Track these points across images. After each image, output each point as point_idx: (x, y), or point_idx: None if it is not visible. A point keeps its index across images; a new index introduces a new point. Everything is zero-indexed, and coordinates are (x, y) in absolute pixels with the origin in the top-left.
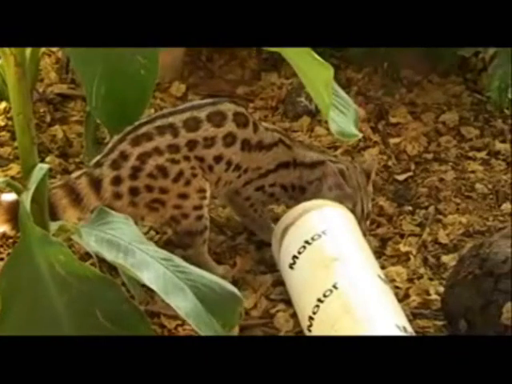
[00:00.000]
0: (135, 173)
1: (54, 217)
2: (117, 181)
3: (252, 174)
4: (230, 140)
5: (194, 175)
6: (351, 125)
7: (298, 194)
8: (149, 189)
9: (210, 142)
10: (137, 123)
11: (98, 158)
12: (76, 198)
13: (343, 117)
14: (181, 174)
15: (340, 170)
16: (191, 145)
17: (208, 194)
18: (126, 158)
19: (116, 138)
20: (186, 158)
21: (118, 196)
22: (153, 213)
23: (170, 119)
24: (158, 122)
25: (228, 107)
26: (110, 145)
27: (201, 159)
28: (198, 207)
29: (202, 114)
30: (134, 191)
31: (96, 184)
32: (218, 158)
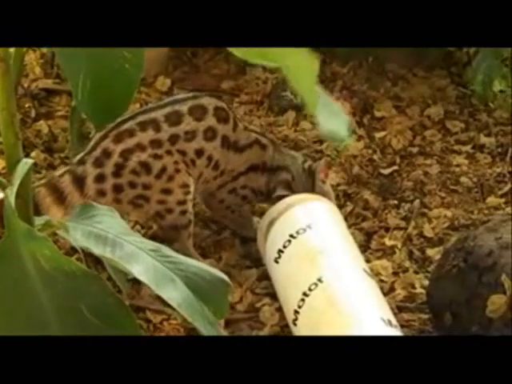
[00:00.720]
0: (118, 170)
1: (38, 215)
2: (100, 178)
3: (226, 177)
4: (210, 134)
5: (178, 170)
6: (343, 128)
7: (266, 198)
8: (132, 185)
9: (190, 135)
10: (119, 120)
11: (80, 155)
12: (60, 197)
13: (333, 119)
14: (164, 169)
15: (286, 179)
16: (173, 139)
17: (192, 188)
18: (109, 155)
19: (98, 135)
20: (169, 153)
21: (101, 193)
22: (137, 209)
23: (152, 114)
24: (140, 118)
25: (209, 101)
26: (92, 142)
27: (183, 153)
28: (182, 202)
29: (184, 108)
30: (117, 188)
31: (79, 182)
32: (199, 152)
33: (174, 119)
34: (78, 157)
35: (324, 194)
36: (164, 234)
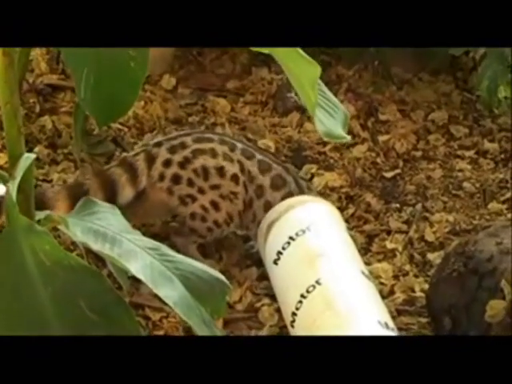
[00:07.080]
0: (185, 163)
1: (113, 194)
2: (167, 164)
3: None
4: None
5: (231, 199)
6: (339, 126)
7: None
8: (190, 183)
9: (259, 191)
10: (204, 130)
11: (159, 138)
12: (134, 174)
13: (331, 118)
14: (220, 185)
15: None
16: (246, 172)
17: (233, 223)
18: (184, 147)
19: (183, 131)
20: (235, 178)
21: (161, 178)
22: (181, 206)
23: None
24: (226, 138)
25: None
26: (175, 133)
27: (246, 189)
28: (216, 223)
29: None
30: (176, 179)
31: (151, 161)
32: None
33: (248, 154)
34: (157, 139)
35: None
36: (180, 228)
